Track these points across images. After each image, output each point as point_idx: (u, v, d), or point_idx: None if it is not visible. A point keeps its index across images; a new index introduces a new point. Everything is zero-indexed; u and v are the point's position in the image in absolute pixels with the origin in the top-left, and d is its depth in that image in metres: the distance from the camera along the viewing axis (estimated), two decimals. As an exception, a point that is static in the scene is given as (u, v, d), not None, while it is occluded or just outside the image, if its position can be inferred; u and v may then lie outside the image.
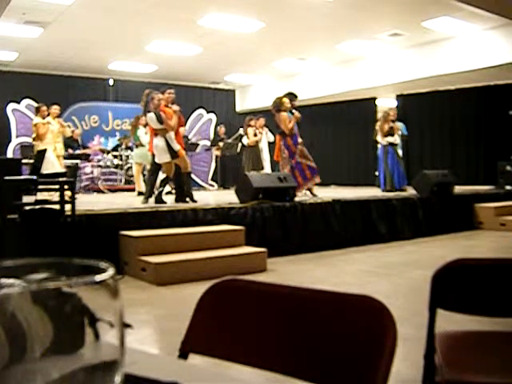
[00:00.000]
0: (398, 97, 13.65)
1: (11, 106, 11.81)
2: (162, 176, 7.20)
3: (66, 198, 4.89)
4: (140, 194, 8.94)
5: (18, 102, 11.87)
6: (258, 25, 9.71)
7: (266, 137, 10.43)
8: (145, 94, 7.02)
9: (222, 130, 12.85)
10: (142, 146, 9.54)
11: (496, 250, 6.56)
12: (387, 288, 4.41)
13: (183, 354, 1.01)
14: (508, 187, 9.99)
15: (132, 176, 11.21)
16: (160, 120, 6.76)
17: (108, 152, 11.92)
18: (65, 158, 9.38)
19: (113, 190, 11.32)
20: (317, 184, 8.18)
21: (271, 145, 10.00)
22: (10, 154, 11.38)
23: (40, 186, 5.01)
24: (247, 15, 9.21)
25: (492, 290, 1.41)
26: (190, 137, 12.60)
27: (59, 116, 8.98)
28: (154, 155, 7.05)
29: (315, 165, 8.08)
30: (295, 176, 7.55)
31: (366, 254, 6.31)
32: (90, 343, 0.39)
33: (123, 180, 11.84)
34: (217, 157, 13.05)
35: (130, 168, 11.52)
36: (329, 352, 0.90)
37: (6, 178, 4.50)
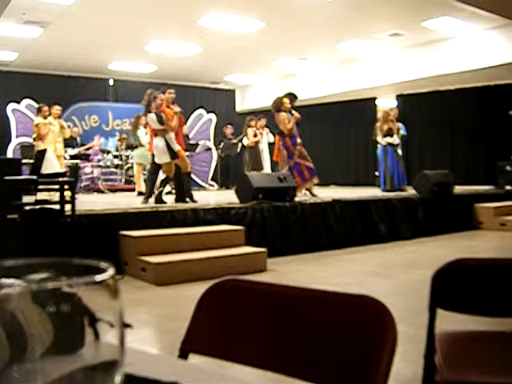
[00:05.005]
0: (398, 97, 13.66)
1: (11, 106, 11.80)
2: (162, 176, 7.20)
3: (66, 198, 4.89)
4: (140, 193, 8.94)
5: (18, 102, 11.86)
6: (258, 25, 9.72)
7: (266, 137, 10.43)
8: (147, 93, 7.02)
9: (228, 130, 12.83)
10: (141, 146, 9.54)
11: (496, 250, 6.56)
12: (387, 288, 4.41)
13: (183, 354, 1.01)
14: (508, 187, 9.99)
15: (132, 176, 11.22)
16: (161, 121, 6.76)
17: (108, 152, 11.93)
18: (65, 158, 9.39)
19: (113, 190, 11.33)
20: (316, 184, 8.18)
21: (271, 145, 10.00)
22: (10, 154, 11.37)
23: (40, 186, 5.00)
24: (247, 15, 9.21)
25: (492, 290, 1.41)
26: (189, 137, 12.59)
27: (60, 116, 8.98)
28: (153, 155, 7.06)
29: (313, 165, 8.08)
30: (293, 177, 7.55)
31: (366, 254, 6.31)
32: (90, 343, 0.39)
33: (123, 180, 11.85)
34: (217, 157, 13.07)
35: (130, 168, 11.52)
36: (329, 352, 0.90)
37: (6, 177, 4.50)
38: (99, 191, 11.06)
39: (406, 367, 2.35)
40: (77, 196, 5.67)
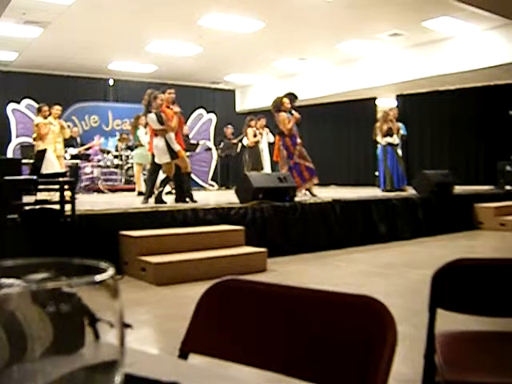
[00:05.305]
0: (398, 97, 13.66)
1: (11, 106, 11.81)
2: (162, 176, 7.21)
3: (66, 198, 4.89)
4: (140, 193, 8.94)
5: (18, 102, 11.87)
6: (258, 25, 9.72)
7: (266, 137, 10.44)
8: (147, 93, 7.02)
9: (228, 130, 12.83)
10: (141, 146, 9.54)
11: (496, 249, 6.56)
12: (387, 288, 4.40)
13: (183, 354, 1.01)
14: (508, 187, 9.99)
15: (132, 176, 11.22)
16: (161, 121, 6.76)
17: (108, 152, 11.94)
18: (65, 158, 9.39)
19: (113, 190, 11.33)
20: (316, 184, 8.18)
21: (271, 145, 10.01)
22: (10, 154, 11.38)
23: (40, 186, 5.00)
24: (247, 15, 9.21)
25: (492, 290, 1.41)
26: (189, 137, 12.59)
27: (60, 116, 8.99)
28: (153, 155, 7.06)
29: (313, 165, 8.08)
30: (293, 177, 7.54)
31: (366, 254, 6.31)
32: (90, 343, 0.39)
33: (123, 180, 11.85)
34: (217, 157, 13.08)
35: (130, 168, 11.52)
36: (329, 352, 0.90)
37: (6, 177, 4.50)
38: (99, 191, 11.06)
39: (406, 367, 2.35)
40: (77, 196, 5.67)
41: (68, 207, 4.79)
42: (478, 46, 10.40)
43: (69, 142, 9.97)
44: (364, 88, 12.75)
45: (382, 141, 9.71)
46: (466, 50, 10.61)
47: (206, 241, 5.25)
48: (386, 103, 13.60)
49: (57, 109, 8.74)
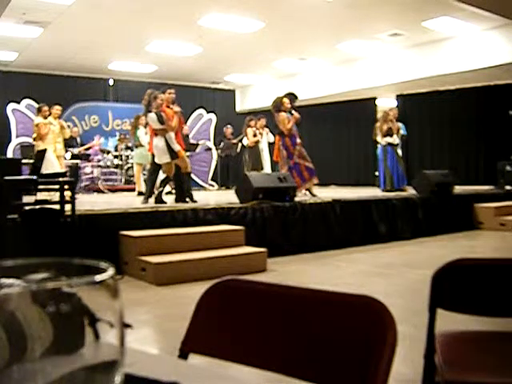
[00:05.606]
0: (398, 97, 13.66)
1: (11, 106, 11.82)
2: (162, 176, 7.21)
3: (66, 198, 4.89)
4: (140, 193, 8.95)
5: (18, 102, 11.87)
6: (258, 25, 9.72)
7: (266, 137, 10.44)
8: (147, 93, 7.02)
9: (228, 130, 12.84)
10: (141, 146, 9.54)
11: (496, 249, 6.56)
12: (387, 288, 4.40)
13: (183, 354, 1.01)
14: (508, 187, 9.99)
15: (132, 176, 11.22)
16: (161, 120, 6.77)
17: (108, 152, 11.94)
18: (65, 158, 9.39)
19: (113, 190, 11.33)
20: (316, 184, 8.18)
21: (271, 145, 10.01)
22: (10, 154, 11.38)
23: (40, 186, 5.00)
24: (247, 15, 9.21)
25: (492, 290, 1.41)
26: (189, 137, 12.59)
27: (60, 116, 8.99)
28: (153, 155, 7.06)
29: (313, 165, 8.08)
30: (293, 177, 7.54)
31: (366, 253, 6.31)
32: (90, 343, 0.39)
33: (123, 180, 11.85)
34: (217, 157, 13.08)
35: (130, 168, 11.53)
36: (329, 352, 0.90)
37: (6, 177, 4.50)
38: (99, 191, 11.06)
39: (406, 367, 2.35)
40: (77, 196, 5.67)
41: (68, 207, 4.79)
42: (478, 46, 10.40)
43: (69, 142, 9.97)
44: (364, 88, 12.75)
45: (382, 141, 9.70)
46: (466, 50, 10.61)
47: (206, 241, 5.25)
48: (386, 103, 13.60)
49: (57, 109, 8.74)
